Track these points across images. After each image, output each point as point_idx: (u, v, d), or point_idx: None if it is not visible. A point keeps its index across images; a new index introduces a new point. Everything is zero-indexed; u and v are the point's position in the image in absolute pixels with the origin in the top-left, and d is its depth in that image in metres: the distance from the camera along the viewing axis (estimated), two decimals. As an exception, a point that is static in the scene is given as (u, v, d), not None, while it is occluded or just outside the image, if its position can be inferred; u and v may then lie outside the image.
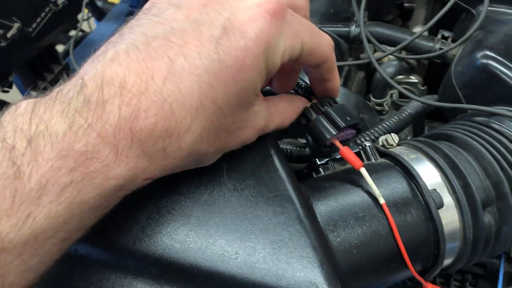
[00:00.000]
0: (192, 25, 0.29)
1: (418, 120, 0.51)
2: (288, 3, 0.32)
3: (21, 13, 0.83)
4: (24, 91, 1.07)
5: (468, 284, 0.65)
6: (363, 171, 0.36)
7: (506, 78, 0.44)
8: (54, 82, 1.02)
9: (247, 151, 0.35)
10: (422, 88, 0.56)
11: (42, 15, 0.88)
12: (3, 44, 0.79)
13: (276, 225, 0.33)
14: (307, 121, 0.38)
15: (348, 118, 0.37)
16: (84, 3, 0.78)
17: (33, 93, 1.09)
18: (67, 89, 0.27)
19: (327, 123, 0.37)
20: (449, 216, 0.38)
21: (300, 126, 0.40)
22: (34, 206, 0.25)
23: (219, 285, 0.31)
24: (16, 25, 0.83)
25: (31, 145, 0.25)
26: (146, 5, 0.32)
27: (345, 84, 0.58)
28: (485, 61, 0.45)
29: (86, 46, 0.99)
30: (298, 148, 0.49)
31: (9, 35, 0.79)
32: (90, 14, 1.49)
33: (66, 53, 1.39)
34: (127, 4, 1.44)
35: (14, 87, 1.04)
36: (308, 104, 0.38)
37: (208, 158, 0.32)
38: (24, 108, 0.27)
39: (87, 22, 1.62)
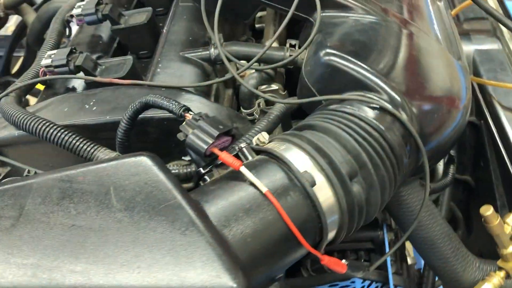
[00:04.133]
0: None
1: (284, 120, 0.57)
2: None
3: None
4: None
5: (363, 260, 0.72)
6: (243, 169, 0.39)
7: (347, 69, 0.52)
8: None
9: (129, 170, 0.37)
10: (283, 93, 0.62)
11: None
12: None
13: (172, 232, 0.35)
14: (185, 137, 0.41)
15: (221, 127, 0.41)
16: None
17: None
18: None
19: (203, 134, 0.41)
20: (324, 194, 0.42)
21: (181, 142, 0.42)
22: None
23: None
24: None
25: None
26: None
27: (216, 101, 0.62)
28: (327, 57, 0.53)
29: None
30: (184, 168, 0.51)
31: None
32: None
33: None
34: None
35: None
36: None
37: None
38: None
39: None
